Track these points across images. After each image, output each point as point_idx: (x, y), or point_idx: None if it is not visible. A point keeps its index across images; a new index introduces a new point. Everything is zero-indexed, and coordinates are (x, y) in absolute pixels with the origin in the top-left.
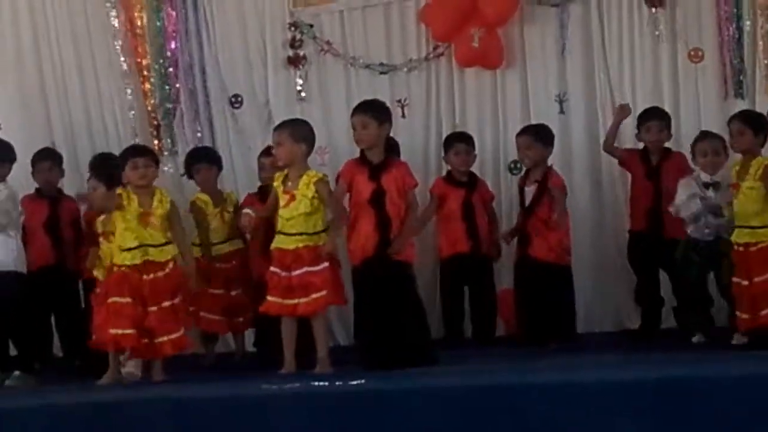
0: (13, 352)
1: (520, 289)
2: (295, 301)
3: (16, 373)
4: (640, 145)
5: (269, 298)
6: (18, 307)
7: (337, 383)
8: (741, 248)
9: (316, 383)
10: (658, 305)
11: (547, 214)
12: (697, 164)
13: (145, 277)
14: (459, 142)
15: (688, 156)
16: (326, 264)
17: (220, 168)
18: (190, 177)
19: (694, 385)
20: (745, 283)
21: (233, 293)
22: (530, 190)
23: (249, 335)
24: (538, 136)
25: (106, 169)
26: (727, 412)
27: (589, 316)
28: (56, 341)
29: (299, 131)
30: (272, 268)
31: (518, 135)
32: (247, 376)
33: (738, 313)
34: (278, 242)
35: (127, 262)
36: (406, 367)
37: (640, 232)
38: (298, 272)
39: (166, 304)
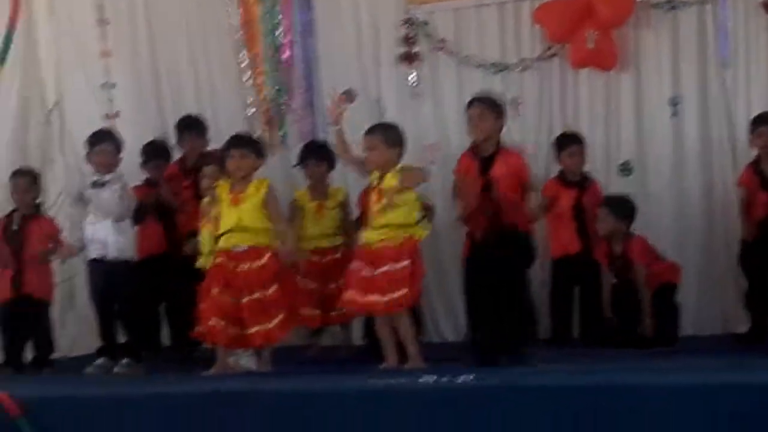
0: (121, 340)
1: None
2: (374, 298)
3: (125, 360)
4: (754, 152)
5: (347, 292)
6: (131, 295)
7: (443, 379)
8: None
9: (422, 379)
10: (767, 309)
11: None
12: None
13: (241, 266)
14: (573, 143)
15: None
16: (407, 261)
17: (330, 165)
18: (304, 167)
19: None
20: None
21: (330, 286)
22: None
23: (358, 329)
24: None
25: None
26: None
27: (697, 319)
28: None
29: (392, 136)
30: (355, 263)
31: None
32: (351, 369)
33: None
34: (364, 238)
35: (222, 245)
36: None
37: (752, 241)
38: (381, 269)
39: (258, 294)
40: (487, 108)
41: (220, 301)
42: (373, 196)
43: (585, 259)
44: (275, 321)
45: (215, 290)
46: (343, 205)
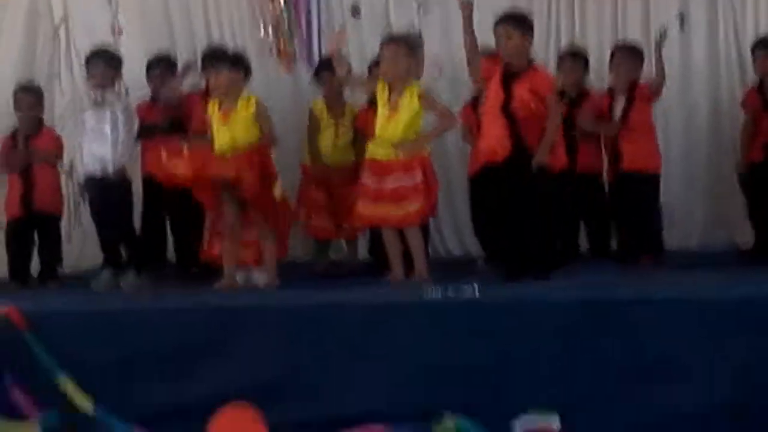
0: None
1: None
2: (386, 210)
3: (129, 275)
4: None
5: (359, 205)
6: (128, 212)
7: (448, 293)
8: None
9: (428, 293)
10: None
11: (638, 123)
12: None
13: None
14: (566, 58)
15: None
16: (420, 175)
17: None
18: (319, 83)
19: None
20: None
21: (340, 201)
22: (619, 106)
23: (362, 245)
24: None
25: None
26: None
27: (704, 233)
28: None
29: (411, 44)
30: (365, 177)
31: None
32: (358, 283)
33: None
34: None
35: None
36: (522, 277)
37: (757, 163)
38: (392, 182)
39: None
40: (513, 26)
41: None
42: (382, 110)
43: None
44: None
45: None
46: (356, 120)
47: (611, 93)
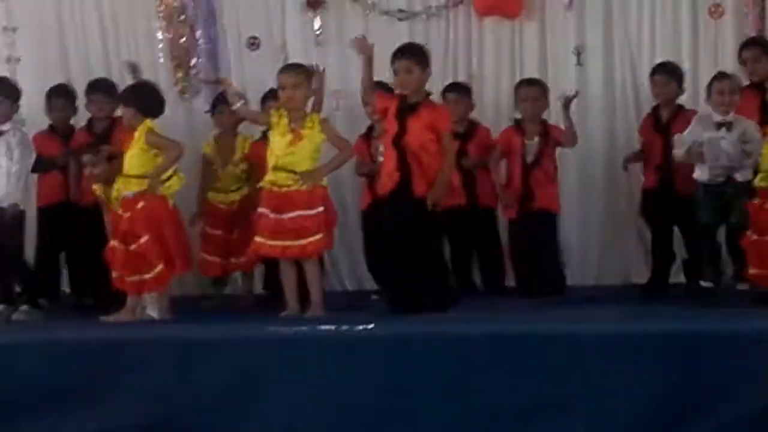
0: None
1: (518, 241)
2: (286, 243)
3: (24, 307)
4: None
5: (257, 237)
6: (18, 244)
7: (343, 327)
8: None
9: (323, 327)
10: (668, 260)
11: (549, 166)
12: (711, 103)
13: (125, 214)
14: (449, 92)
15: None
16: (321, 208)
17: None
18: (215, 116)
19: (701, 338)
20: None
21: (233, 234)
22: (533, 144)
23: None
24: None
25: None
26: (725, 366)
27: (599, 269)
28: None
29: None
30: (262, 209)
31: (524, 87)
32: (252, 318)
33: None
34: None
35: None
36: (418, 312)
37: (652, 188)
38: (292, 214)
39: (134, 245)
40: (413, 61)
41: (117, 251)
42: (281, 137)
43: (473, 210)
44: (153, 272)
45: (113, 241)
46: (249, 155)
47: (521, 128)
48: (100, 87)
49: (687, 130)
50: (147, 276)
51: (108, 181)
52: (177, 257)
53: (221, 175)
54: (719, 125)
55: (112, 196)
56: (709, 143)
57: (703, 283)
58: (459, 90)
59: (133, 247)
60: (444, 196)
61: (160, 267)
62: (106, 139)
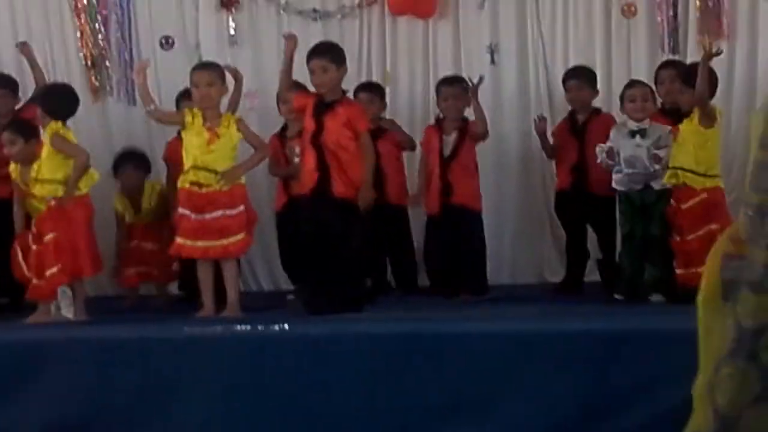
0: None
1: (439, 239)
2: (208, 243)
3: None
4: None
5: (178, 239)
6: None
7: (259, 327)
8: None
9: (238, 327)
10: (583, 259)
11: (468, 160)
12: (625, 111)
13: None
14: (361, 91)
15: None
16: (242, 207)
17: (147, 170)
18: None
19: (613, 337)
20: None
21: (148, 245)
22: (451, 139)
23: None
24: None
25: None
26: (642, 364)
27: (513, 268)
28: None
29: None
30: (181, 210)
31: (445, 85)
32: (168, 318)
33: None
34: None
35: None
36: (334, 312)
37: (566, 189)
38: (214, 214)
39: (35, 246)
40: (329, 59)
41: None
42: (197, 136)
43: (385, 208)
44: (48, 273)
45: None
46: (166, 154)
47: (440, 125)
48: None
49: (608, 141)
50: (48, 274)
51: (25, 162)
52: (84, 259)
53: (135, 221)
54: (633, 133)
55: (29, 178)
56: (623, 151)
57: (616, 296)
58: (371, 89)
59: (35, 247)
60: (372, 196)
61: (55, 268)
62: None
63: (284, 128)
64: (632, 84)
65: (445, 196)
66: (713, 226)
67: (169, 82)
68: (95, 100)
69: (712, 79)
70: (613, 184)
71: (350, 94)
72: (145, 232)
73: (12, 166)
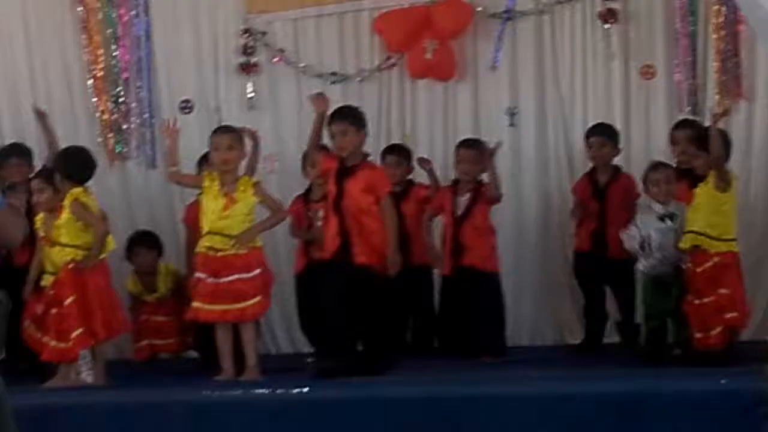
0: None
1: (451, 300)
2: (225, 306)
3: None
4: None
5: (196, 303)
6: None
7: (278, 391)
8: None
9: (258, 391)
10: (602, 320)
11: (480, 221)
12: (649, 195)
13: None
14: (388, 154)
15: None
16: (258, 270)
17: (160, 252)
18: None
19: (633, 399)
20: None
21: (160, 318)
22: (464, 200)
23: None
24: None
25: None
26: (666, 428)
27: (533, 330)
28: None
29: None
30: (198, 273)
31: (462, 148)
32: (187, 381)
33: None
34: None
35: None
36: (355, 375)
37: (585, 251)
38: (229, 278)
39: (56, 309)
40: (349, 122)
41: (43, 318)
42: (214, 201)
43: (411, 270)
44: (72, 336)
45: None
46: (186, 218)
47: (455, 186)
48: (15, 152)
49: (633, 224)
50: (66, 342)
51: (52, 211)
52: (99, 323)
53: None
54: (662, 217)
55: (52, 227)
56: (656, 234)
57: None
58: (399, 152)
59: (54, 310)
60: (400, 260)
61: (79, 331)
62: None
63: (308, 191)
64: (655, 167)
65: (457, 257)
66: (722, 291)
67: (188, 146)
68: (111, 164)
69: (726, 142)
70: (642, 269)
71: (377, 157)
72: (157, 306)
73: (38, 216)
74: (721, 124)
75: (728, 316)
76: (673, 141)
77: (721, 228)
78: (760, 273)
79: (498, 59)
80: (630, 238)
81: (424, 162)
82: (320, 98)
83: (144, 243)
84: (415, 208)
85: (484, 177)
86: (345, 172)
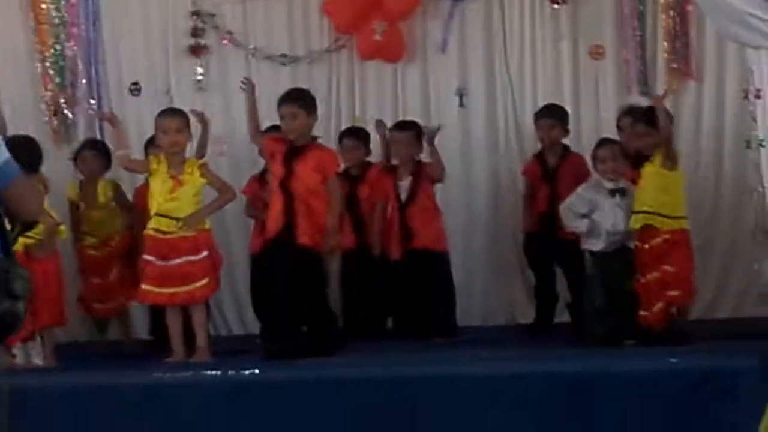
0: None
1: (404, 284)
2: (173, 289)
3: None
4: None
5: (143, 285)
6: None
7: (229, 372)
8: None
9: (209, 372)
10: (552, 301)
11: (427, 202)
12: (598, 171)
13: None
14: (345, 137)
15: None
16: (206, 252)
17: (108, 164)
18: (75, 162)
19: (584, 379)
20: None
21: (110, 278)
22: (406, 183)
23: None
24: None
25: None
26: (617, 407)
27: (485, 310)
28: None
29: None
30: (147, 256)
31: (396, 130)
32: (137, 364)
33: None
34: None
35: None
36: (304, 356)
37: (535, 231)
38: (178, 260)
39: None
40: (298, 105)
41: None
42: (162, 183)
43: (362, 253)
44: None
45: None
46: (117, 196)
47: (395, 170)
48: None
49: (572, 196)
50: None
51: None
52: (44, 309)
53: (86, 218)
54: (613, 192)
55: None
56: (605, 210)
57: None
58: (356, 135)
59: None
60: (338, 243)
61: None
62: None
63: (264, 171)
64: (602, 144)
65: (407, 241)
66: (667, 268)
67: (136, 128)
68: (59, 148)
69: (670, 120)
70: (586, 246)
71: (328, 139)
72: (103, 267)
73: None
74: (668, 104)
75: (670, 293)
76: (619, 127)
77: (671, 206)
78: (709, 252)
79: (448, 45)
80: (566, 212)
81: (380, 126)
82: (247, 85)
83: (93, 147)
84: (370, 193)
85: (423, 157)
86: (294, 152)
